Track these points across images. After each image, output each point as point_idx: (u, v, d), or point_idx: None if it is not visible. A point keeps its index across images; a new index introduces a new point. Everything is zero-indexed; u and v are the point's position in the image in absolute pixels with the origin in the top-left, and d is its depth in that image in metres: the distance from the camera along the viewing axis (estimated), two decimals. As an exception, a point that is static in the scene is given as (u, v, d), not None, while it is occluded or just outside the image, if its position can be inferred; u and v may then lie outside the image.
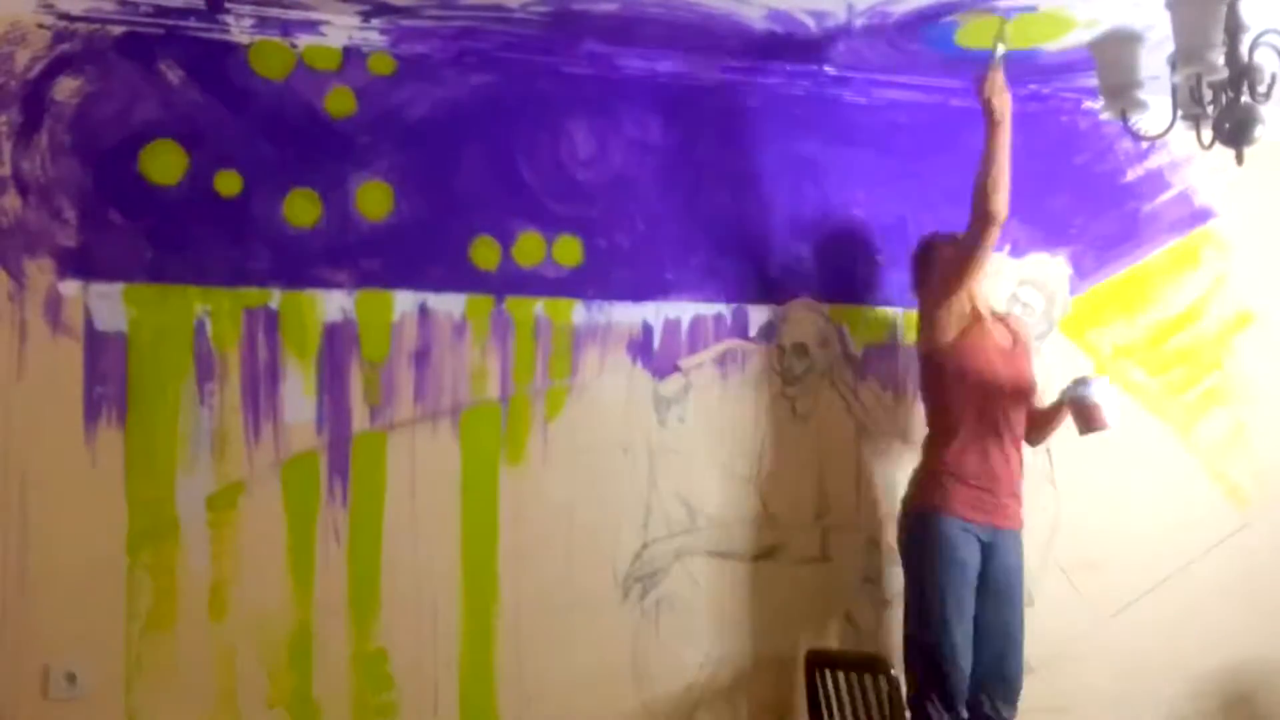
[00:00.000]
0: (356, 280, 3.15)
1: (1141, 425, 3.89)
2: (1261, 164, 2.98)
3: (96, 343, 2.96)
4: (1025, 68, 3.53)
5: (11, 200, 2.92)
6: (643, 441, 3.36)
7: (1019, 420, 3.34)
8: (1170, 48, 2.49)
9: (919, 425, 3.59)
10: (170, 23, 3.02)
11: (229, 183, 3.06)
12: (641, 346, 3.38)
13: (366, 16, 3.10)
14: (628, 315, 3.37)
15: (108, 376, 2.96)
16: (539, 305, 3.30)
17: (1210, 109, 2.55)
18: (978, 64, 3.15)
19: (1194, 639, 3.84)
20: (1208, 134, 2.59)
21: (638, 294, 3.38)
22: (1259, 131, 2.51)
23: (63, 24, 2.95)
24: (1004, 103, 3.06)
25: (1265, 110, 2.51)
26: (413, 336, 3.20)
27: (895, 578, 3.58)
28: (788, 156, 3.54)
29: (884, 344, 3.63)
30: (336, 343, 3.14)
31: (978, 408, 3.25)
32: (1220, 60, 2.45)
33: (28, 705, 2.87)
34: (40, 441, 2.91)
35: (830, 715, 3.22)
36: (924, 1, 3.00)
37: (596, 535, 3.31)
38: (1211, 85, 2.53)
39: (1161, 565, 3.86)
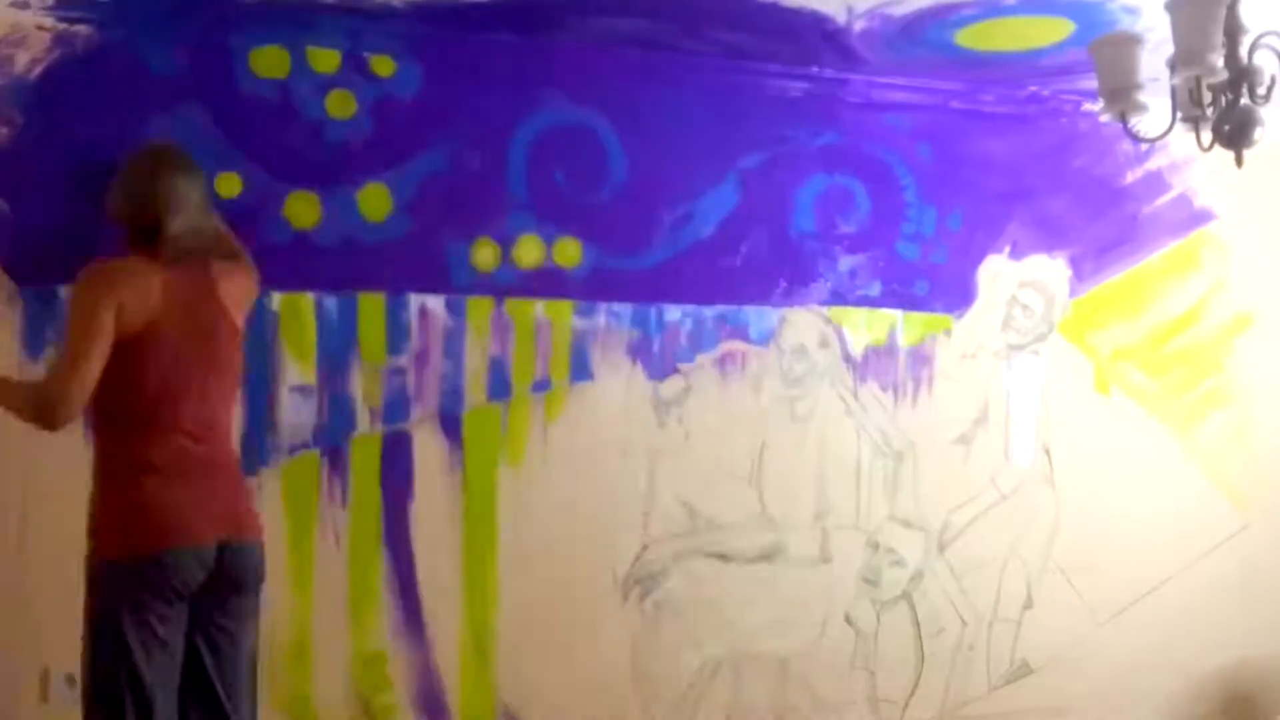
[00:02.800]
0: (356, 281, 3.15)
1: (1141, 427, 3.90)
2: (1261, 166, 2.98)
3: (96, 344, 2.95)
4: (1025, 70, 3.53)
5: (11, 202, 2.92)
6: (642, 443, 3.37)
7: None
8: (1170, 50, 2.48)
9: (917, 426, 3.61)
10: (170, 25, 3.02)
11: (229, 184, 3.06)
12: (641, 348, 3.39)
13: (366, 18, 3.10)
14: (627, 316, 3.37)
15: (108, 378, 2.96)
16: (539, 307, 3.30)
17: (1210, 111, 2.54)
18: (978, 65, 3.15)
19: (1193, 640, 3.84)
20: (1207, 136, 2.59)
21: (637, 295, 3.38)
22: (1258, 134, 2.51)
23: (63, 26, 2.95)
24: None
25: (1265, 112, 2.51)
26: (412, 337, 3.20)
27: (895, 579, 3.59)
28: (787, 157, 3.54)
29: (883, 345, 3.63)
30: (336, 344, 3.14)
31: None
32: (1220, 62, 2.44)
33: (28, 708, 2.87)
34: (40, 442, 2.90)
35: None
36: (923, 4, 3.00)
37: (596, 537, 3.31)
38: (1211, 87, 2.53)
39: (1161, 567, 3.87)
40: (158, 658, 2.42)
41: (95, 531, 2.48)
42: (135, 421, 2.46)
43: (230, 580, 2.52)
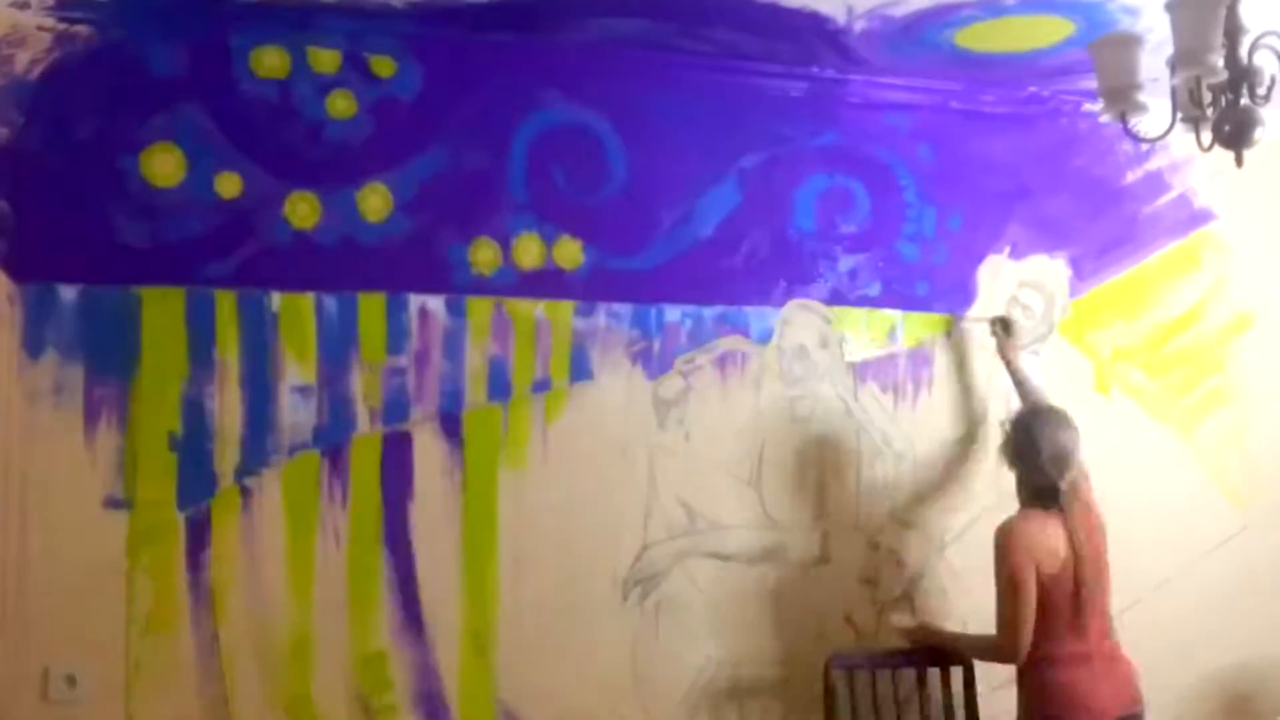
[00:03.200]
0: (356, 282, 3.16)
1: (1142, 427, 3.90)
2: (1261, 166, 2.98)
3: (97, 344, 2.96)
4: (1025, 70, 3.54)
5: (12, 202, 2.92)
6: (642, 444, 3.36)
7: None
8: (1170, 50, 2.48)
9: (917, 427, 3.61)
10: (170, 25, 3.02)
11: (229, 184, 3.06)
12: (641, 348, 3.39)
13: (366, 18, 3.10)
14: (627, 317, 3.37)
15: (108, 377, 2.96)
16: (539, 307, 3.30)
17: (1210, 111, 2.54)
18: (978, 65, 3.15)
19: (1194, 640, 3.84)
20: (1207, 136, 2.58)
21: (637, 295, 3.38)
22: (1259, 134, 2.51)
23: (63, 26, 2.95)
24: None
25: (1265, 112, 2.51)
26: (412, 338, 3.20)
27: (896, 579, 3.59)
28: (786, 157, 3.55)
29: (883, 346, 3.63)
30: (336, 344, 3.14)
31: None
32: (1220, 63, 2.44)
33: (27, 707, 2.87)
34: (40, 442, 2.91)
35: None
36: (923, 4, 3.00)
37: (596, 538, 3.31)
38: (1211, 88, 2.53)
39: (1161, 567, 3.86)
40: None
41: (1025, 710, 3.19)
42: (1043, 632, 3.10)
43: None
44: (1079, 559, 3.10)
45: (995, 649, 3.15)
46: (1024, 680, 3.16)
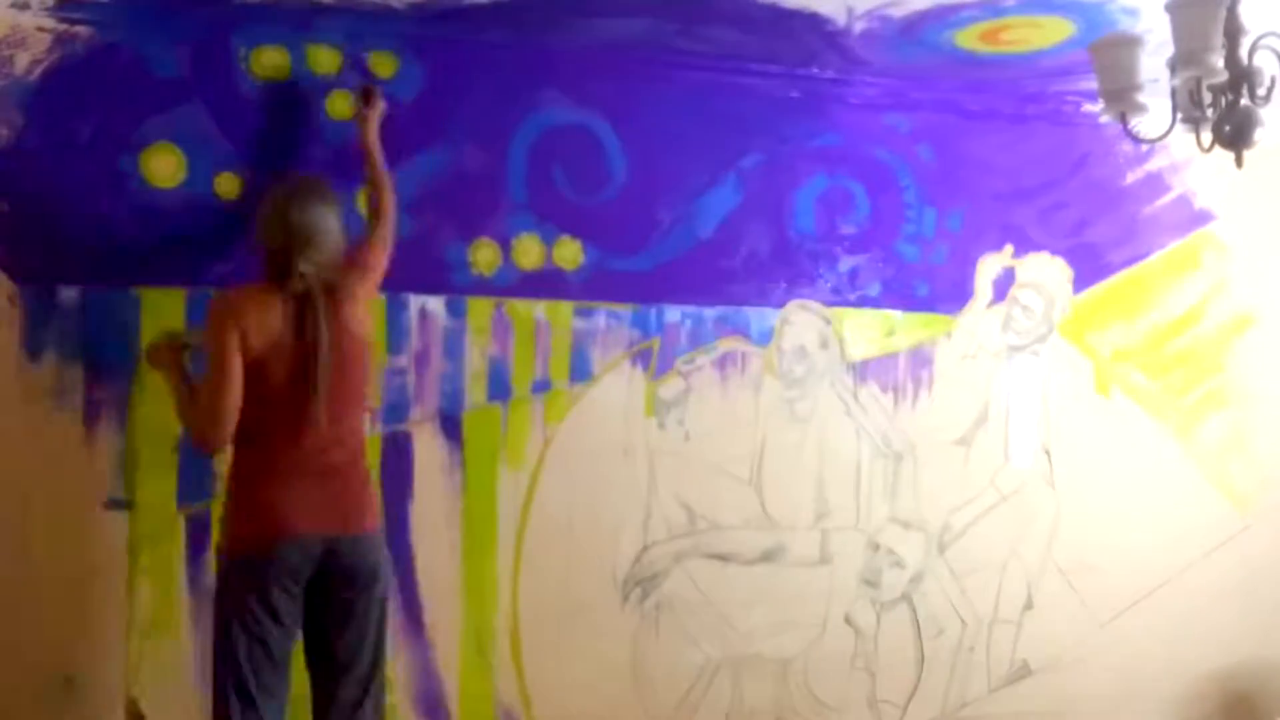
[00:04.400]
0: (356, 282, 3.15)
1: (1141, 428, 3.90)
2: (1261, 167, 2.98)
3: (97, 344, 2.96)
4: (1025, 70, 3.54)
5: (12, 202, 2.92)
6: (642, 444, 3.37)
7: None
8: (1170, 51, 2.49)
9: (917, 427, 3.61)
10: (170, 25, 3.02)
11: (229, 184, 3.06)
12: (641, 349, 3.39)
13: (366, 18, 3.10)
14: (627, 317, 3.38)
15: (108, 378, 2.96)
16: (539, 307, 3.30)
17: (1210, 112, 2.55)
18: (978, 66, 3.15)
19: (1194, 641, 3.85)
20: (1207, 137, 2.59)
21: (637, 296, 3.38)
22: (1259, 134, 2.51)
23: (63, 27, 2.95)
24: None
25: (1265, 113, 2.51)
26: (413, 339, 3.20)
27: (895, 580, 3.59)
28: (786, 158, 3.55)
29: (883, 347, 3.63)
30: (336, 345, 3.13)
31: None
32: (1220, 63, 2.45)
33: (28, 707, 2.87)
34: (40, 443, 2.91)
35: None
36: (923, 5, 3.00)
37: (596, 538, 3.31)
38: (1211, 88, 2.53)
39: (1161, 568, 3.87)
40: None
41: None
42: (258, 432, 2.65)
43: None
44: (299, 346, 2.63)
45: (190, 430, 2.67)
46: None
